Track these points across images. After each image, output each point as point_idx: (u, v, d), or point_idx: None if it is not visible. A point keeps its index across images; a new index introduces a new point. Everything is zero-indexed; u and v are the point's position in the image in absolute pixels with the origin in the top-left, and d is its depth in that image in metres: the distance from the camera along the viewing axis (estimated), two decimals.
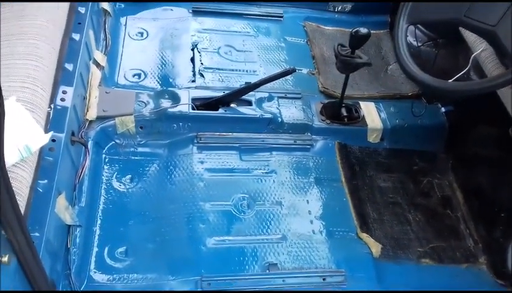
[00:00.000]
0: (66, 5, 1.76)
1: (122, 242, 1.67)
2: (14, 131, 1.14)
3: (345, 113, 2.17)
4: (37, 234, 1.32)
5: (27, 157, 1.16)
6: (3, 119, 0.80)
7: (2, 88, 1.33)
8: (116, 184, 1.83)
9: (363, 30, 1.78)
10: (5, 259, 0.89)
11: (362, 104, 2.23)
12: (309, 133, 2.11)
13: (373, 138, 2.18)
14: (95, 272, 1.58)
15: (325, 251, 1.76)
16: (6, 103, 1.20)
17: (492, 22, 1.55)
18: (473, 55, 1.72)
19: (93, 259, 1.61)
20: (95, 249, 1.63)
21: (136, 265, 1.62)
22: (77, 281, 1.50)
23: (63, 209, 1.52)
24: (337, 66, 1.94)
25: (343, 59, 1.86)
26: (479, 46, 1.76)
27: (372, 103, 2.25)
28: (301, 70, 2.40)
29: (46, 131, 1.49)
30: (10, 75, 1.36)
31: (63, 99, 1.65)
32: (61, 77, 1.68)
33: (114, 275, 1.59)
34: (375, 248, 1.80)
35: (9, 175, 1.16)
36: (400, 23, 1.57)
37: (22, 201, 1.19)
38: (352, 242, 1.81)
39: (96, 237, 1.66)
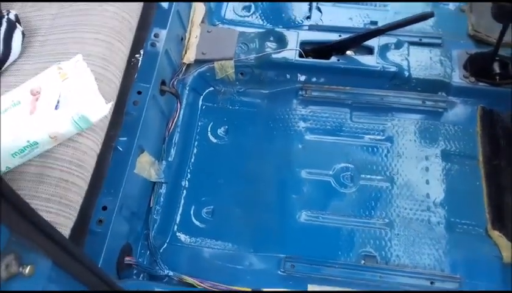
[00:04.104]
0: None
1: (210, 201, 1.57)
2: (72, 99, 1.02)
3: (497, 70, 1.68)
4: (110, 198, 1.25)
5: (87, 128, 1.05)
6: None
7: (74, 40, 1.23)
8: (210, 136, 1.70)
9: None
10: (25, 270, 0.76)
11: None
12: (444, 93, 1.69)
13: None
14: (179, 232, 1.52)
15: (440, 247, 1.45)
16: (70, 63, 1.09)
17: None
18: None
19: (178, 217, 1.54)
20: (181, 207, 1.56)
21: (219, 229, 1.52)
22: (157, 241, 1.45)
23: (146, 167, 1.44)
24: (493, 12, 1.44)
25: (501, 4, 1.36)
26: None
27: None
28: (447, 5, 1.91)
29: (130, 84, 1.38)
30: (84, 24, 1.23)
31: (153, 44, 1.50)
32: (154, 18, 1.52)
33: (197, 238, 1.51)
34: (507, 251, 1.43)
35: (72, 145, 1.08)
36: None
37: (86, 174, 1.11)
38: (478, 240, 1.47)
39: (184, 194, 1.58)
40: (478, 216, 1.50)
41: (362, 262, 1.43)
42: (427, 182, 1.56)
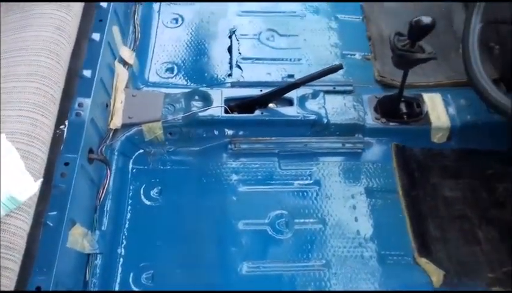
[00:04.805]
0: (80, 5, 1.57)
1: (149, 266, 1.54)
2: None
3: (404, 110, 1.86)
4: (43, 278, 1.20)
5: (14, 209, 1.02)
6: None
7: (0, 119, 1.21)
8: (143, 199, 1.69)
9: (426, 20, 1.44)
10: None
11: (426, 96, 1.90)
12: (360, 135, 1.83)
13: (438, 137, 1.86)
14: None
15: (375, 281, 1.53)
16: None
17: None
18: None
19: (117, 287, 1.50)
20: (119, 276, 1.51)
21: None
22: None
23: (79, 239, 1.40)
24: (393, 61, 1.62)
25: (400, 54, 1.54)
26: None
27: (439, 95, 1.91)
28: (354, 55, 2.10)
29: (56, 156, 1.36)
30: (8, 101, 1.22)
31: (78, 114, 1.50)
32: (77, 88, 1.53)
33: None
34: (436, 276, 1.54)
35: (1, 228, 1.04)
36: (472, 22, 1.21)
37: (18, 255, 1.06)
38: (408, 269, 1.56)
39: (120, 262, 1.54)
40: (405, 246, 1.61)
41: None
42: (356, 219, 1.65)
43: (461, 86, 1.96)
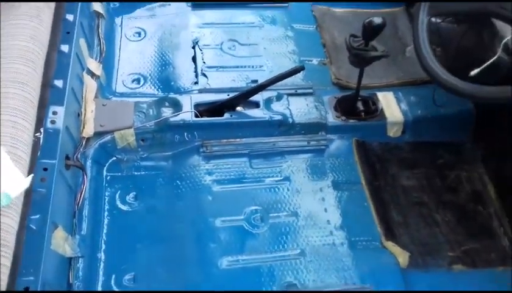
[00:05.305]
0: (49, 17, 1.61)
1: (130, 267, 1.57)
2: None
3: (361, 108, 2.00)
4: (31, 278, 1.21)
5: (7, 204, 1.04)
6: None
7: None
8: (119, 204, 1.72)
9: (377, 20, 1.59)
10: None
11: (380, 95, 2.05)
12: (323, 132, 1.95)
13: (393, 132, 2.01)
14: None
15: (348, 265, 1.62)
16: None
17: None
18: (504, 41, 1.52)
19: (99, 289, 1.51)
20: (101, 278, 1.53)
21: None
22: None
23: (61, 242, 1.41)
24: (350, 60, 1.76)
25: (356, 53, 1.68)
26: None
27: (391, 93, 2.07)
28: (311, 61, 2.23)
29: (34, 162, 1.37)
30: None
31: (53, 121, 1.52)
32: (50, 97, 1.55)
33: None
34: (402, 257, 1.66)
35: None
36: (420, 16, 1.37)
37: (10, 252, 1.08)
38: (377, 252, 1.68)
39: (101, 265, 1.56)
40: (372, 231, 1.72)
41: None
42: (325, 210, 1.76)
43: (410, 85, 2.14)
